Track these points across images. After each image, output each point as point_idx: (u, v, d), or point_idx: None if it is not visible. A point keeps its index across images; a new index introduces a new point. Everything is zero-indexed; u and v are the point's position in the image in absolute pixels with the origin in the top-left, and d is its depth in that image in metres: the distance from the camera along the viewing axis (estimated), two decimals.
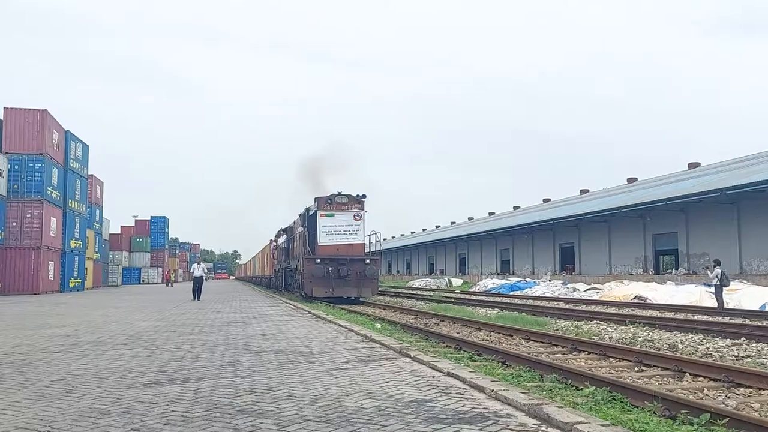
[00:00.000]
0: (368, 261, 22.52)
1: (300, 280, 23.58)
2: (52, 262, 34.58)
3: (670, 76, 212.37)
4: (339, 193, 23.15)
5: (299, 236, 25.31)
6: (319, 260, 21.96)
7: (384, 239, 23.48)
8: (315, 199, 23.80)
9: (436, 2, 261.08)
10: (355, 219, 22.93)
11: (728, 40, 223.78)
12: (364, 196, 23.23)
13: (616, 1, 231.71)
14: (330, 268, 21.76)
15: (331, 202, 22.92)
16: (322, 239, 22.57)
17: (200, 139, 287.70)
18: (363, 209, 23.16)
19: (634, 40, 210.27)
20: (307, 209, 24.73)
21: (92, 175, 45.96)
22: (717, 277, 18.07)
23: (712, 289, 19.09)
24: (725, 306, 18.08)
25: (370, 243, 23.26)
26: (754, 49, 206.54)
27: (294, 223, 29.13)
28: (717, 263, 18.60)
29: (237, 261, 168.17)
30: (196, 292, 24.31)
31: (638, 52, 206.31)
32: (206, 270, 25.85)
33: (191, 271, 25.95)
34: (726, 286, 18.49)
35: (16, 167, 32.40)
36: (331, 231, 22.68)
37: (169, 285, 52.11)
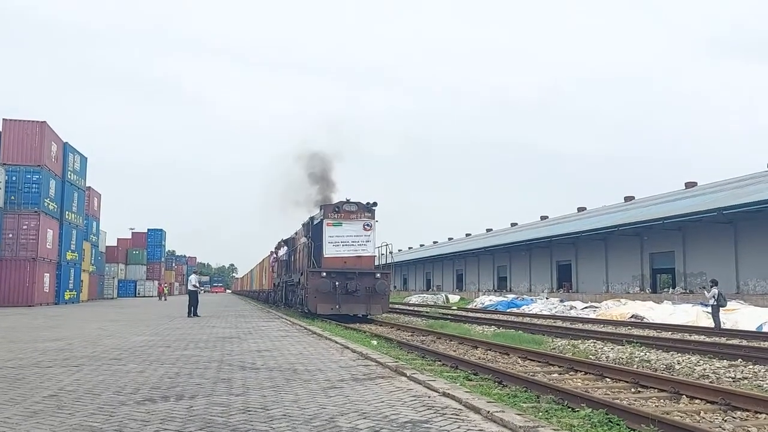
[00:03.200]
0: (378, 275, 20.81)
1: (303, 295, 21.73)
2: (48, 274, 34.44)
3: (669, 95, 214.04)
4: (347, 200, 21.51)
5: (302, 247, 23.52)
6: (324, 273, 20.24)
7: (383, 254, 22.34)
8: (321, 206, 22.33)
9: (435, 22, 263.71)
10: (365, 229, 21.17)
11: (728, 61, 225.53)
12: (374, 204, 21.55)
13: (618, 21, 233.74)
14: (337, 283, 20.03)
15: (339, 210, 21.20)
16: (329, 250, 20.87)
17: (199, 152, 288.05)
18: (373, 218, 21.41)
19: (633, 59, 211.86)
20: (312, 218, 23.13)
21: (90, 187, 46.01)
22: (714, 297, 18.06)
23: (709, 309, 19.06)
24: (722, 326, 18.06)
25: (380, 255, 21.75)
26: (753, 71, 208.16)
27: (296, 233, 27.60)
28: (714, 283, 18.60)
29: (233, 274, 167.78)
30: (190, 308, 22.08)
31: (637, 70, 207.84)
32: (194, 283, 23.46)
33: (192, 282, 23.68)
34: (723, 307, 18.48)
35: (14, 178, 32.40)
36: (339, 242, 20.96)
37: (162, 299, 51.84)
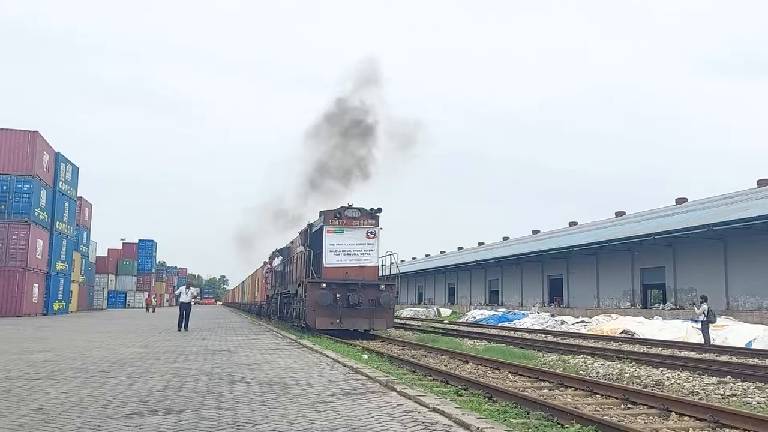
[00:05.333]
0: (383, 287, 19.48)
1: (300, 308, 20.25)
2: (37, 285, 34.17)
3: (660, 111, 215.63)
4: (350, 205, 20.10)
5: (299, 257, 22.28)
6: (324, 285, 18.87)
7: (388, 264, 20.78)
8: (320, 212, 20.72)
9: (426, 35, 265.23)
10: (368, 237, 19.78)
11: (724, 81, 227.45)
12: (379, 209, 20.17)
13: (615, 38, 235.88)
14: (338, 295, 18.67)
15: (341, 216, 19.78)
16: (329, 260, 19.48)
17: (192, 163, 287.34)
18: (377, 225, 19.98)
19: (626, 76, 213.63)
20: (310, 225, 21.58)
21: (81, 197, 45.80)
22: (704, 313, 18.15)
23: (699, 325, 19.14)
24: (712, 342, 18.12)
25: (384, 265, 20.51)
26: (745, 91, 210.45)
27: (292, 242, 26.22)
28: (704, 299, 18.69)
29: (224, 286, 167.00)
30: (182, 321, 20.76)
31: (630, 88, 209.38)
32: (195, 295, 21.97)
33: (177, 294, 22.41)
34: (713, 323, 18.57)
35: (4, 188, 32.21)
36: (340, 250, 19.56)
37: (151, 310, 51.25)
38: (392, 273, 20.32)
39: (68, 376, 8.56)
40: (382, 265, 20.54)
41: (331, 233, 19.64)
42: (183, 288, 21.98)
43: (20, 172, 32.57)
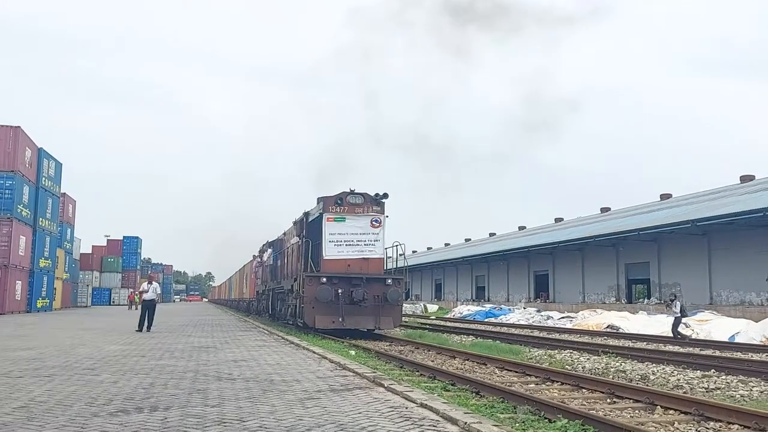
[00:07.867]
0: (389, 281, 17.74)
1: (298, 305, 18.32)
2: (20, 282, 33.78)
3: (648, 109, 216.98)
4: (351, 191, 18.16)
5: (293, 249, 20.43)
6: (325, 279, 17.08)
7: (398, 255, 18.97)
8: (318, 199, 18.66)
9: None
10: (373, 225, 17.98)
11: (710, 78, 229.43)
12: (385, 195, 18.27)
13: (604, 39, 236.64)
14: (339, 291, 16.89)
15: (342, 203, 17.93)
16: (330, 251, 17.68)
17: (180, 160, 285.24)
18: (383, 212, 18.22)
19: (614, 73, 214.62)
20: (306, 213, 19.42)
21: (65, 193, 45.30)
22: (679, 308, 18.75)
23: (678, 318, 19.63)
24: (688, 337, 18.69)
25: (390, 258, 18.90)
26: (730, 88, 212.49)
27: (284, 234, 24.21)
28: (675, 297, 19.57)
29: (210, 283, 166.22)
30: (144, 321, 18.03)
31: (618, 85, 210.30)
32: (158, 291, 19.33)
33: (141, 291, 19.36)
34: (685, 316, 19.24)
35: None
36: (341, 241, 17.81)
37: (133, 307, 50.66)
38: (399, 266, 18.51)
39: (52, 373, 8.46)
40: (399, 256, 18.71)
41: (332, 221, 17.90)
42: (146, 284, 19.26)
43: (2, 168, 32.15)
